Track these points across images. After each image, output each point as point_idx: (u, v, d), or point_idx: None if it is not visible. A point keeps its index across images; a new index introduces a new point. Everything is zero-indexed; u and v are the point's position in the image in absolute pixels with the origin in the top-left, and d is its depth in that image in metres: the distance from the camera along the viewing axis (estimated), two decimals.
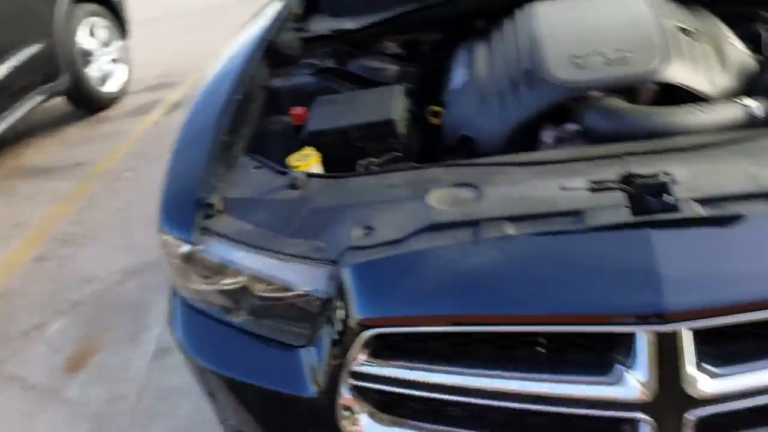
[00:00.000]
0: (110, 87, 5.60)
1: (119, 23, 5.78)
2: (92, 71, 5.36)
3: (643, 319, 1.06)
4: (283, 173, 1.54)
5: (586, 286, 1.12)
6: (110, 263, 3.40)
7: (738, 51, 1.62)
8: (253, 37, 2.07)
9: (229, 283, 1.48)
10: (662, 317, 1.05)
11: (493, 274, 1.19)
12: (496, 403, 1.23)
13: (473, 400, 1.24)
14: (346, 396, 1.34)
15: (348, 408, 1.36)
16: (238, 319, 1.51)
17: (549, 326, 1.13)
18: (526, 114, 1.55)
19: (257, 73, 1.92)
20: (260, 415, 1.54)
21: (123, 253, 3.46)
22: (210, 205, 1.48)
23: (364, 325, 1.24)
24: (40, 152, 4.97)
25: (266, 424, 1.54)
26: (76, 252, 3.59)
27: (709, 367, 1.09)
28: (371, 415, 1.37)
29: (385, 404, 1.38)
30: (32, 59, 4.70)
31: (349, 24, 2.13)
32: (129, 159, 4.51)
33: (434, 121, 1.83)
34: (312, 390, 1.37)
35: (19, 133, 5.12)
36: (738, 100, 1.43)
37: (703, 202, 1.14)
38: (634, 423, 1.15)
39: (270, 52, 2.01)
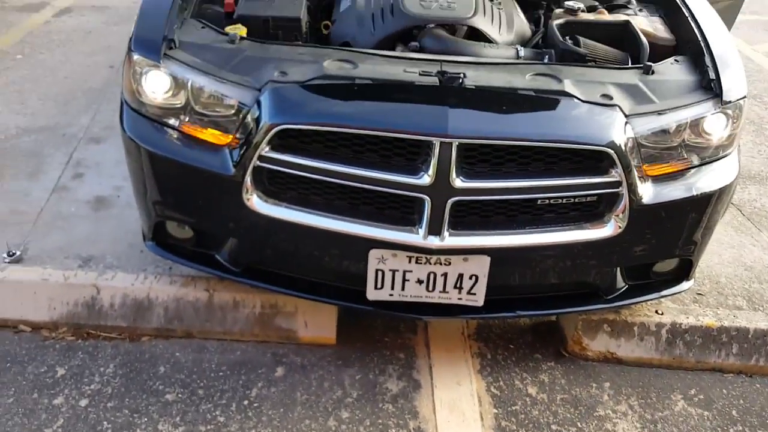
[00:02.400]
0: None
1: None
2: None
3: (437, 134, 1.80)
4: (224, 33, 2.10)
5: (412, 114, 1.85)
6: (6, 120, 3.60)
7: (521, 21, 2.45)
8: None
9: (174, 98, 2.02)
10: (446, 134, 1.79)
11: (359, 102, 1.88)
12: (348, 183, 1.90)
13: (335, 180, 1.91)
14: (248, 180, 1.95)
15: (247, 189, 1.97)
16: (176, 124, 2.05)
17: (389, 134, 1.84)
18: (387, 31, 2.26)
19: None
20: (187, 189, 2.09)
21: (18, 115, 3.68)
22: (172, 40, 2.02)
23: (273, 126, 1.86)
24: None
25: (192, 198, 2.09)
26: None
27: (461, 175, 1.86)
28: (260, 197, 1.99)
29: (269, 191, 2.01)
30: None
31: None
32: (20, 46, 4.60)
33: (325, 32, 2.47)
34: (231, 170, 1.96)
35: None
36: (514, 47, 2.24)
37: (477, 86, 1.92)
38: (422, 200, 1.89)
39: None
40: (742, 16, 6.74)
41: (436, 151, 1.83)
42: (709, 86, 2.07)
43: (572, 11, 2.38)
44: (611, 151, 1.88)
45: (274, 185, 2.02)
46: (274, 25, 2.26)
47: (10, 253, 2.61)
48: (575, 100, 1.92)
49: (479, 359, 2.43)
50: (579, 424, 2.21)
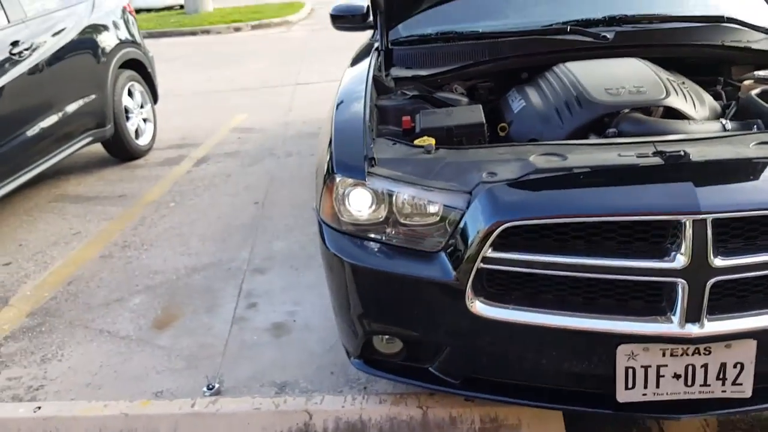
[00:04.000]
0: (142, 141, 5.99)
1: (151, 89, 6.28)
2: (129, 126, 5.77)
3: (687, 212, 1.64)
4: (417, 146, 2.08)
5: (653, 195, 1.71)
6: (174, 262, 3.71)
7: (708, 97, 2.33)
8: (360, 73, 2.64)
9: (376, 212, 1.96)
10: (699, 211, 1.63)
11: (587, 190, 1.76)
12: (584, 275, 1.74)
13: (568, 274, 1.75)
14: (471, 285, 1.83)
15: (471, 294, 1.84)
16: (381, 237, 1.98)
17: (632, 217, 1.69)
18: (578, 123, 2.18)
19: (372, 94, 2.48)
20: (403, 301, 1.97)
21: (183, 256, 3.78)
22: (372, 158, 2.00)
23: (497, 226, 1.76)
24: (81, 185, 5.22)
25: (408, 309, 1.97)
26: (139, 254, 3.87)
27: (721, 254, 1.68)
28: (483, 302, 1.85)
29: (492, 294, 1.87)
30: (87, 106, 5.10)
31: (422, 72, 2.75)
32: (170, 195, 4.85)
33: (501, 134, 2.42)
34: (452, 275, 1.84)
35: (58, 170, 5.37)
36: (719, 121, 2.11)
37: (709, 161, 1.78)
38: (674, 285, 1.71)
39: (375, 82, 2.58)
40: None
41: (689, 230, 1.65)
42: None
43: (765, 80, 2.26)
44: None
45: (498, 287, 1.88)
46: (459, 134, 2.23)
47: (210, 387, 2.54)
48: None
49: None
50: None
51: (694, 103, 2.19)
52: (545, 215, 1.75)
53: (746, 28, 2.68)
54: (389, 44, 2.99)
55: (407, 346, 2.10)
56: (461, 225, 1.86)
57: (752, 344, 1.75)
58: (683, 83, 2.31)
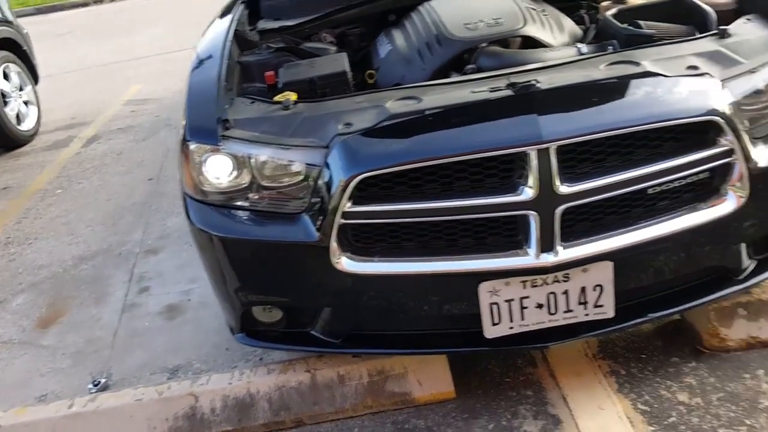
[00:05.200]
0: (25, 126, 5.65)
1: (30, 69, 5.91)
2: (8, 111, 5.42)
3: (531, 143, 1.65)
4: (276, 102, 2.01)
5: (498, 129, 1.71)
6: (60, 254, 3.55)
7: (569, 22, 2.34)
8: (221, 31, 2.53)
9: (239, 178, 1.90)
10: (541, 140, 1.65)
11: (436, 132, 1.74)
12: (442, 218, 1.75)
13: (427, 219, 1.76)
14: (333, 243, 1.81)
15: (336, 252, 1.83)
16: (246, 203, 1.92)
17: (478, 155, 1.69)
18: (439, 62, 2.16)
19: (232, 51, 2.37)
20: (272, 268, 1.94)
21: (71, 246, 3.62)
22: (226, 120, 1.92)
23: (351, 179, 1.73)
24: None
25: (278, 275, 1.94)
26: (23, 249, 3.68)
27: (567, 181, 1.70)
28: (349, 257, 1.84)
29: (357, 249, 1.86)
30: None
31: (290, 22, 2.66)
32: (57, 181, 4.62)
33: (370, 81, 2.38)
34: (315, 236, 1.82)
35: None
36: (574, 45, 2.12)
37: (557, 88, 1.78)
38: (527, 217, 1.73)
39: (237, 38, 2.48)
40: None
41: (534, 161, 1.67)
42: None
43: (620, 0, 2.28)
44: (718, 119, 1.71)
45: (362, 241, 1.86)
46: (322, 85, 2.16)
47: (96, 383, 2.46)
48: (662, 76, 1.78)
49: (614, 378, 2.18)
50: (747, 421, 1.94)
51: (552, 30, 2.19)
52: (394, 163, 1.72)
53: None
54: None
55: (286, 313, 2.08)
56: (320, 182, 1.83)
57: (609, 266, 1.80)
58: (543, 10, 2.30)
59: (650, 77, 1.77)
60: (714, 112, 1.71)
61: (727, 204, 1.81)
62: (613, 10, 2.20)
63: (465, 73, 2.09)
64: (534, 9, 2.28)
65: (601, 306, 1.86)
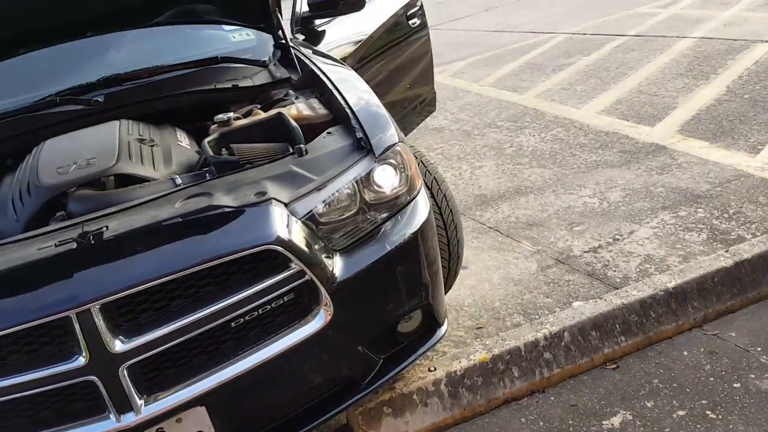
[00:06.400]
0: None
1: None
2: None
3: (68, 307, 1.57)
4: None
5: (35, 297, 1.61)
6: None
7: (184, 149, 2.34)
8: None
9: None
10: (78, 303, 1.57)
11: None
12: (7, 397, 1.62)
13: None
14: None
15: None
16: None
17: (15, 329, 1.57)
18: (29, 212, 2.03)
19: None
20: None
21: None
22: None
23: None
24: None
25: None
26: None
27: (121, 335, 1.64)
28: None
29: None
30: None
31: None
32: None
33: None
34: None
35: None
36: (170, 178, 2.10)
37: (117, 236, 1.74)
38: (93, 383, 1.63)
39: None
40: (464, 61, 7.46)
41: (76, 324, 1.59)
42: (361, 145, 2.07)
43: (224, 123, 2.33)
44: (275, 246, 1.75)
45: None
46: None
47: None
48: (225, 209, 1.80)
49: None
50: None
51: (154, 163, 2.18)
52: None
53: (244, 65, 2.80)
54: None
55: None
56: None
57: (202, 411, 1.76)
58: (152, 141, 2.30)
59: (213, 210, 1.79)
60: (273, 240, 1.75)
61: (317, 321, 1.85)
62: (215, 135, 2.24)
63: (54, 221, 1.99)
64: (143, 140, 2.26)
65: None
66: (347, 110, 2.20)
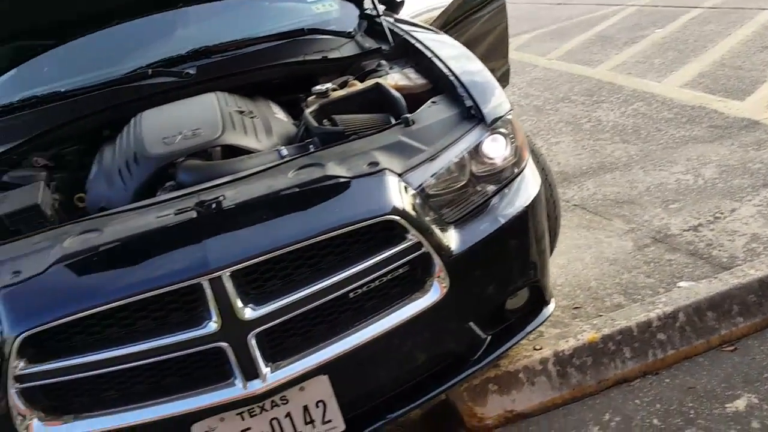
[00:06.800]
0: None
1: None
2: None
3: (200, 273, 1.58)
4: None
5: (166, 262, 1.63)
6: None
7: (281, 121, 2.34)
8: None
9: None
10: (210, 269, 1.58)
11: (105, 272, 1.64)
12: (133, 364, 1.63)
13: (116, 368, 1.63)
14: (19, 405, 1.64)
15: (22, 415, 1.65)
16: None
17: (146, 294, 1.60)
18: (137, 182, 2.06)
19: None
20: None
21: None
22: None
23: (15, 338, 1.58)
24: None
25: None
26: None
27: (250, 303, 1.65)
28: (41, 419, 1.67)
29: (53, 407, 1.70)
30: None
31: None
32: None
33: (81, 205, 2.23)
34: None
35: None
36: (275, 149, 2.10)
37: (237, 204, 1.74)
38: (222, 350, 1.65)
39: None
40: (528, 34, 7.31)
41: (209, 291, 1.61)
42: (471, 114, 2.02)
43: (322, 94, 2.31)
44: (394, 217, 1.73)
45: (55, 399, 1.71)
46: (13, 222, 1.99)
47: None
48: (341, 179, 1.79)
49: None
50: None
51: (257, 134, 2.17)
52: (60, 314, 1.59)
53: (329, 36, 2.77)
54: None
55: None
56: None
57: (324, 379, 1.76)
58: (251, 113, 2.30)
59: (330, 181, 1.78)
60: (391, 210, 1.73)
61: (432, 294, 1.83)
62: (315, 107, 2.21)
63: (164, 191, 2.01)
64: (242, 112, 2.26)
65: (329, 422, 1.80)
66: (451, 78, 2.14)
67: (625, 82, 5.06)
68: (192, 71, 2.56)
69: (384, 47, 2.62)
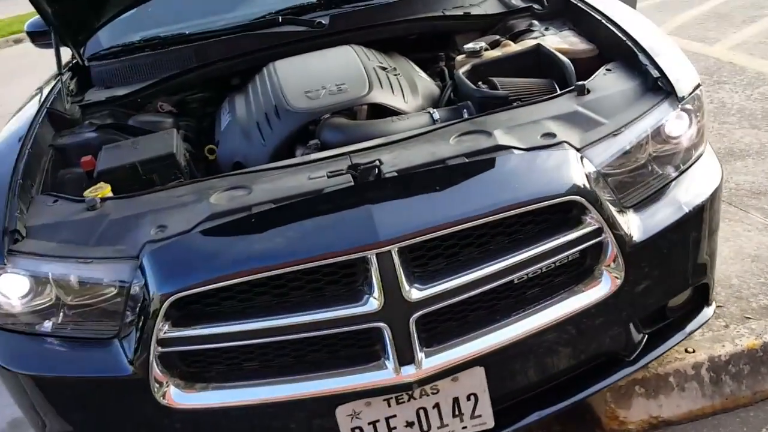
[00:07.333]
0: None
1: None
2: None
3: (368, 246, 1.43)
4: (80, 200, 1.72)
5: (331, 231, 1.48)
6: None
7: (425, 81, 2.16)
8: (34, 107, 2.21)
9: (40, 298, 1.60)
10: (379, 242, 1.43)
11: (263, 236, 1.50)
12: (283, 337, 1.52)
13: (267, 340, 1.52)
14: (156, 371, 1.53)
15: (159, 382, 1.55)
16: (49, 328, 1.62)
17: (308, 264, 1.45)
18: (279, 137, 1.92)
19: (41, 134, 2.05)
20: (82, 407, 1.64)
21: None
22: (14, 231, 1.62)
23: (164, 299, 1.47)
24: None
25: (88, 416, 1.64)
26: None
27: (416, 283, 1.49)
28: (178, 386, 1.57)
29: (190, 374, 1.59)
30: None
31: (120, 91, 2.36)
32: None
33: (211, 157, 2.12)
34: (128, 369, 1.53)
35: None
36: (426, 111, 1.93)
37: (399, 171, 1.58)
38: (379, 329, 1.50)
39: (51, 117, 2.16)
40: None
41: (375, 265, 1.45)
42: (657, 86, 1.79)
43: (475, 53, 2.10)
44: (578, 198, 1.54)
45: (194, 366, 1.60)
46: (146, 170, 1.89)
47: None
48: (515, 151, 1.60)
49: None
50: None
51: (404, 93, 2.00)
52: (212, 278, 1.47)
53: None
54: (83, 60, 2.56)
55: None
56: (131, 302, 1.55)
57: (480, 372, 1.60)
58: (395, 69, 2.12)
59: (502, 152, 1.60)
60: (573, 190, 1.54)
61: (603, 286, 1.65)
62: (467, 67, 2.02)
63: (308, 150, 1.86)
64: (385, 68, 2.09)
65: (479, 416, 1.65)
66: (629, 44, 1.91)
67: (748, 63, 4.66)
68: (324, 21, 2.39)
69: (536, 6, 2.38)
